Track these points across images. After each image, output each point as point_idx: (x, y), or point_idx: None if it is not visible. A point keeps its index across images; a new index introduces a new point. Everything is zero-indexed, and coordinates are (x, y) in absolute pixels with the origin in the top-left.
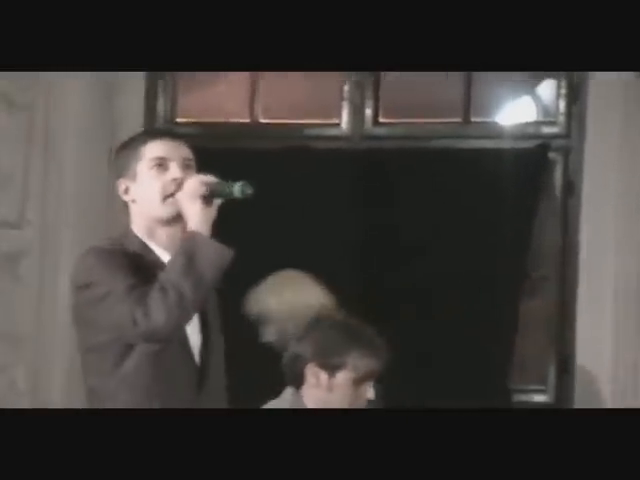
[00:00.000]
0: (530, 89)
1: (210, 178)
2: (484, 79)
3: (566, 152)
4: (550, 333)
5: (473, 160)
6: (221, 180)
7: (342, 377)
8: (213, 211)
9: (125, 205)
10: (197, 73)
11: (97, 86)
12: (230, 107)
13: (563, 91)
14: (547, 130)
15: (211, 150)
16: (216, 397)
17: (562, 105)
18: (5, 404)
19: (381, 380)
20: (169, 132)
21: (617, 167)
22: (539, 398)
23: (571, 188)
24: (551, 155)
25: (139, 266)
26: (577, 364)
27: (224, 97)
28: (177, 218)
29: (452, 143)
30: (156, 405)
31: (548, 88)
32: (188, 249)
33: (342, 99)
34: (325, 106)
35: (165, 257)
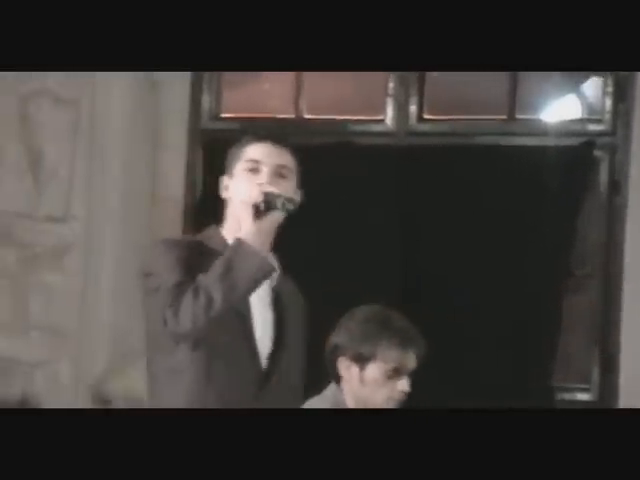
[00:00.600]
0: (576, 86)
1: (270, 188)
2: (530, 76)
3: (612, 150)
4: (594, 331)
5: (517, 157)
6: (277, 193)
7: (372, 369)
8: (267, 222)
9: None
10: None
11: (142, 81)
12: (275, 103)
13: (609, 89)
14: (593, 128)
15: None
16: (279, 396)
17: (608, 103)
18: (48, 397)
19: (418, 374)
20: (274, 136)
21: None
22: (582, 397)
23: (616, 186)
24: (596, 153)
25: (209, 264)
26: (621, 362)
27: (269, 93)
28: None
29: (496, 140)
30: (211, 400)
31: (594, 86)
32: (229, 256)
33: (387, 95)
34: (370, 102)
35: (250, 238)
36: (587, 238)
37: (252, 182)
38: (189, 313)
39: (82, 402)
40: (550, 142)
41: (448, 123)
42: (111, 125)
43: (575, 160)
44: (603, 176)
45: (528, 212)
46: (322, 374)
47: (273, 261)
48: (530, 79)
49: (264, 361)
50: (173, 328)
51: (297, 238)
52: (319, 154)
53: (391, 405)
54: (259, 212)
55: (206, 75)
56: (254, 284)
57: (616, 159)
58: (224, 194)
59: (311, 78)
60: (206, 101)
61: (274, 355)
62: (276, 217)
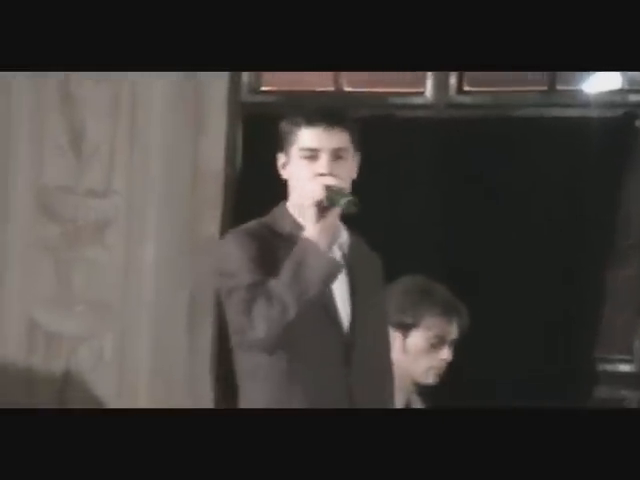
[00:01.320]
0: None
1: (331, 181)
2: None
3: None
4: (637, 303)
5: (559, 129)
6: (339, 187)
7: (414, 337)
8: (330, 218)
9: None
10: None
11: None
12: (314, 76)
13: None
14: (633, 98)
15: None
16: (366, 371)
17: None
18: (93, 372)
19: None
20: (328, 116)
21: None
22: (624, 368)
23: None
24: (638, 124)
25: (282, 248)
26: None
27: None
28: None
29: (537, 112)
30: (297, 385)
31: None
32: (297, 258)
33: None
34: (410, 75)
35: (315, 237)
36: (630, 209)
37: (311, 171)
38: (264, 321)
39: (125, 377)
40: (591, 113)
41: (488, 95)
42: (152, 100)
43: (616, 131)
44: None
45: (570, 184)
46: None
47: (339, 258)
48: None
49: (346, 328)
50: (249, 336)
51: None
52: (359, 126)
53: (432, 376)
54: (322, 209)
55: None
56: (324, 285)
57: None
58: (282, 173)
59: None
60: (245, 75)
61: (354, 320)
62: (337, 211)
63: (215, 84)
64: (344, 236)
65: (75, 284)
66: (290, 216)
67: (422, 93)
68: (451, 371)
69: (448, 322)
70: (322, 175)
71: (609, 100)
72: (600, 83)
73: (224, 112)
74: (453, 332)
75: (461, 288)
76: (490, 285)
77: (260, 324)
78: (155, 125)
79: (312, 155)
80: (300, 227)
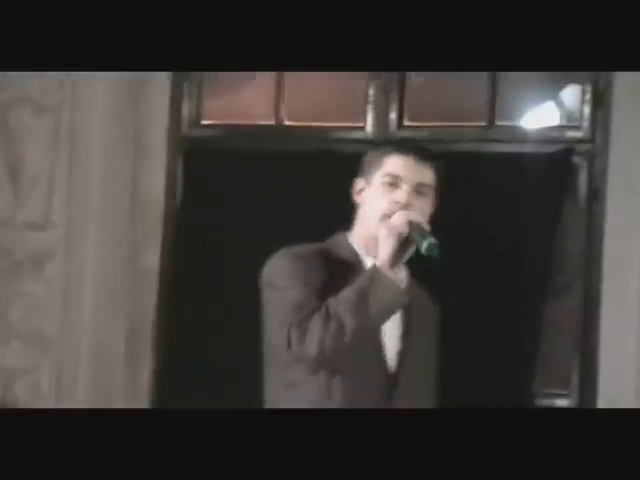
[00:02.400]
0: (555, 94)
1: (417, 218)
2: (509, 83)
3: (590, 157)
4: (574, 337)
5: (497, 164)
6: (422, 226)
7: None
8: (405, 253)
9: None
10: (222, 75)
11: (122, 88)
12: (255, 109)
13: (588, 96)
14: (571, 135)
15: (236, 152)
16: (406, 404)
17: (586, 110)
18: (29, 405)
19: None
20: (420, 149)
21: None
22: (562, 403)
23: (595, 193)
24: (575, 160)
25: (337, 275)
26: (601, 368)
27: (249, 99)
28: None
29: (476, 147)
30: (335, 404)
31: (572, 93)
32: (365, 284)
33: (367, 102)
34: (350, 109)
35: (387, 266)
36: (567, 245)
37: (390, 197)
38: (317, 338)
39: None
40: (529, 149)
41: (428, 130)
42: (91, 132)
43: (554, 167)
44: (582, 183)
45: (508, 219)
46: None
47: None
48: (509, 86)
49: (392, 366)
50: (298, 351)
51: (275, 243)
52: (299, 161)
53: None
54: (401, 242)
55: (186, 82)
56: (388, 315)
57: (595, 166)
58: (357, 198)
59: (291, 85)
60: (186, 108)
61: (402, 359)
62: (412, 249)
63: (156, 116)
64: (403, 274)
65: (13, 317)
66: (350, 245)
67: (362, 128)
68: None
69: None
70: (398, 203)
71: (547, 136)
72: (538, 119)
73: (164, 145)
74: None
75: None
76: None
77: (313, 341)
78: (95, 156)
79: (394, 182)
80: (357, 257)
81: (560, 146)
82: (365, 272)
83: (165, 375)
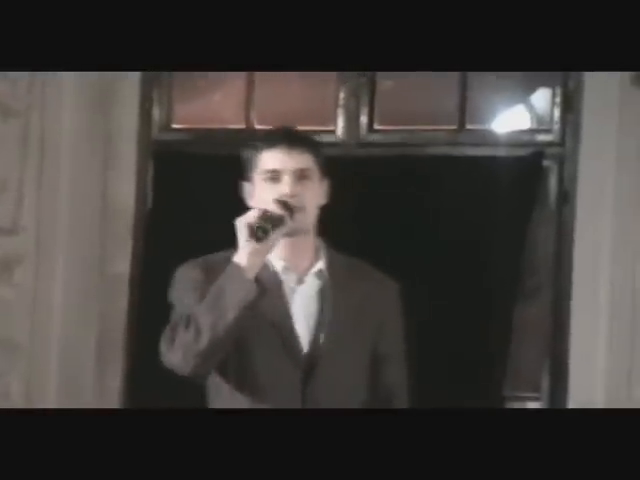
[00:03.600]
0: (525, 97)
1: (292, 201)
2: (479, 86)
3: (561, 160)
4: (544, 340)
5: (468, 167)
6: (274, 214)
7: None
8: (264, 245)
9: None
10: (192, 78)
11: (92, 93)
12: (225, 114)
13: (558, 99)
14: (542, 138)
15: (206, 156)
16: (321, 397)
17: (557, 113)
18: None
19: None
20: (289, 138)
21: (611, 175)
22: (533, 405)
23: (565, 196)
24: (545, 163)
25: None
26: (571, 371)
27: (219, 103)
28: (296, 231)
29: (447, 150)
30: (248, 401)
31: (543, 96)
32: (221, 282)
33: (337, 106)
34: (320, 113)
35: (280, 266)
36: (537, 248)
37: (275, 191)
38: (180, 347)
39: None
40: (500, 152)
41: (399, 133)
42: (60, 136)
43: (524, 170)
44: (552, 186)
45: (478, 222)
46: None
47: (314, 287)
48: (480, 89)
49: (306, 355)
50: (168, 361)
51: None
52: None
53: None
54: (255, 234)
55: (156, 86)
56: (243, 310)
57: (565, 169)
58: (249, 202)
59: (262, 89)
60: (156, 112)
61: (317, 350)
62: (274, 237)
63: (125, 120)
64: (319, 265)
65: None
66: None
67: (333, 131)
68: None
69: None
70: (286, 194)
71: (517, 139)
72: (509, 122)
73: (134, 150)
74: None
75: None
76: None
77: (178, 350)
78: (64, 161)
79: (274, 177)
80: (266, 265)
81: (530, 149)
82: (224, 272)
83: (135, 379)
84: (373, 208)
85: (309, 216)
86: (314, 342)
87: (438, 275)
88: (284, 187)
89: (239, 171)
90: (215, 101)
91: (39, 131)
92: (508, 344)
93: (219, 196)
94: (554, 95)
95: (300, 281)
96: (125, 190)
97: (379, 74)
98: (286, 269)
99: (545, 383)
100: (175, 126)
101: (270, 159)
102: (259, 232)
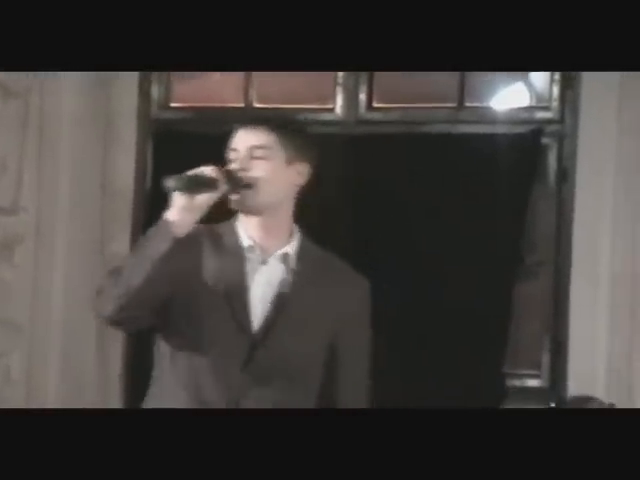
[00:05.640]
0: (524, 74)
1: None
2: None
3: (560, 137)
4: (544, 318)
5: (467, 145)
6: (202, 174)
7: None
8: (191, 202)
9: None
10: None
11: (91, 73)
12: (224, 92)
13: (556, 77)
14: (541, 115)
15: (205, 135)
16: (265, 375)
17: (556, 90)
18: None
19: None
20: (255, 119)
21: (611, 152)
22: (533, 383)
23: (565, 173)
24: (545, 140)
25: (209, 255)
26: (570, 349)
27: (219, 82)
28: (248, 208)
29: (446, 128)
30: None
31: (542, 74)
32: (148, 233)
33: (336, 84)
34: (319, 91)
35: (247, 244)
36: (536, 226)
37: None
38: (102, 291)
39: (33, 397)
40: (499, 130)
41: (398, 111)
42: (60, 117)
43: (523, 148)
44: (551, 163)
45: (477, 200)
46: None
47: (280, 271)
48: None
49: (256, 328)
50: (98, 313)
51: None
52: (295, 134)
53: None
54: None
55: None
56: (158, 262)
57: (564, 146)
58: None
59: None
60: (155, 91)
61: (269, 324)
62: (207, 197)
63: (125, 99)
64: (287, 249)
65: None
66: (233, 227)
67: (332, 109)
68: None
69: None
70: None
71: (516, 117)
72: (508, 100)
73: (134, 128)
74: None
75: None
76: (399, 302)
77: (100, 294)
78: (64, 141)
79: (233, 155)
80: (233, 231)
81: (529, 127)
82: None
83: (136, 361)
84: (372, 185)
85: (263, 195)
86: (266, 321)
87: (438, 253)
88: (234, 163)
89: None
90: (214, 80)
91: (38, 111)
92: (508, 321)
93: None
94: (553, 72)
95: (264, 262)
96: (125, 168)
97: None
98: (251, 247)
99: (545, 360)
100: (174, 105)
101: (234, 138)
102: (179, 183)
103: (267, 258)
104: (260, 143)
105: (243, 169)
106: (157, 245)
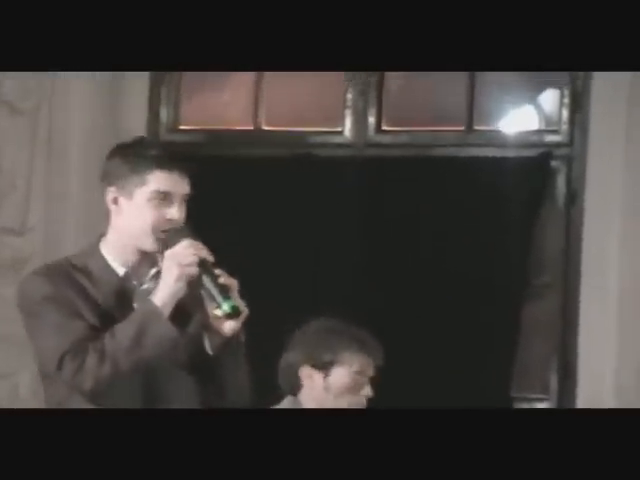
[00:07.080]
0: (533, 98)
1: (207, 255)
2: (487, 87)
3: (569, 161)
4: (552, 340)
5: (476, 168)
6: (216, 271)
7: (336, 373)
8: (184, 288)
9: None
10: (200, 79)
11: (100, 93)
12: (233, 114)
13: (566, 100)
14: (550, 138)
15: (214, 157)
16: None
17: (565, 114)
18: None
19: (378, 380)
20: (179, 164)
21: (619, 175)
22: (541, 406)
23: (573, 196)
24: (554, 163)
25: (93, 287)
26: (579, 371)
27: (227, 104)
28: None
29: (455, 151)
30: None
31: (551, 97)
32: (142, 323)
33: (345, 107)
34: (328, 113)
35: (122, 272)
36: (545, 248)
37: (161, 213)
38: (92, 376)
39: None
40: (508, 153)
41: (407, 134)
42: (69, 137)
43: (533, 171)
44: (560, 186)
45: (486, 222)
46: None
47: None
48: (488, 90)
49: None
50: (72, 382)
51: (254, 250)
52: (277, 165)
53: None
54: (191, 282)
55: (164, 86)
56: (162, 353)
57: (573, 170)
58: (111, 206)
59: (270, 90)
60: (164, 113)
61: None
62: (201, 290)
63: (134, 120)
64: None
65: None
66: (102, 258)
67: (341, 132)
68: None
69: (366, 358)
70: (172, 221)
71: (526, 140)
72: (517, 123)
73: None
74: (370, 369)
75: (379, 324)
76: (407, 323)
77: (89, 378)
78: (73, 161)
79: (164, 199)
80: (111, 271)
81: (538, 150)
82: (143, 308)
83: None
84: (381, 208)
85: None
86: None
87: (446, 274)
88: (174, 212)
89: (247, 172)
90: (223, 101)
91: (47, 131)
92: (515, 344)
93: (225, 195)
94: (562, 95)
95: (140, 284)
96: None
97: (387, 74)
98: (127, 275)
99: (553, 384)
100: (183, 127)
101: (163, 181)
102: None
103: (143, 279)
104: (187, 191)
105: (179, 220)
106: (159, 342)
